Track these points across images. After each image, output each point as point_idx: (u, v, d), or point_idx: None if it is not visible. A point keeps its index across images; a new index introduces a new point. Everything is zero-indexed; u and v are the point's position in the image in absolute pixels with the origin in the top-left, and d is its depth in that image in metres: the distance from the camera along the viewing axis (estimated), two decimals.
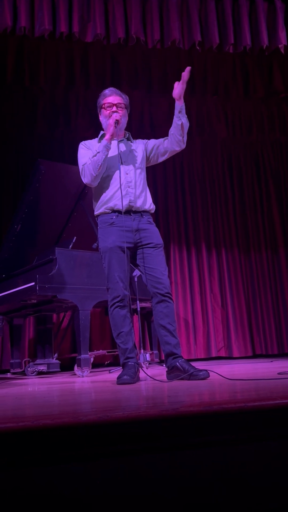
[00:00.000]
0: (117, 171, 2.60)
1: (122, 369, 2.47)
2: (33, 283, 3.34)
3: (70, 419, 1.23)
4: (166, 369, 2.48)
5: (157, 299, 2.51)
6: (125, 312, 2.52)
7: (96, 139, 2.74)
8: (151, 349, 4.86)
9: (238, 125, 5.78)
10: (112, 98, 2.68)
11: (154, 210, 2.73)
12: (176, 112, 2.68)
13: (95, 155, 2.55)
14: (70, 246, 3.62)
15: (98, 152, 2.55)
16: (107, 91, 2.72)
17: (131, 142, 2.78)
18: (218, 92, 4.77)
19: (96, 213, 2.68)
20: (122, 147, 2.72)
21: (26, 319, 4.70)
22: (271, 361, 4.25)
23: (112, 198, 2.59)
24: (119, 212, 2.58)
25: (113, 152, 2.64)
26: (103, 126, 2.72)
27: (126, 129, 2.77)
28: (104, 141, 2.58)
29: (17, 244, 4.12)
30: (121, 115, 2.65)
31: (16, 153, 5.51)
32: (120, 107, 2.68)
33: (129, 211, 2.59)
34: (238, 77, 4.68)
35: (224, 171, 6.26)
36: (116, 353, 4.71)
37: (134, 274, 4.00)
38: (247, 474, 1.26)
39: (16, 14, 3.21)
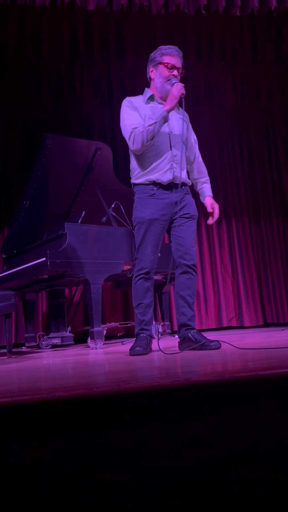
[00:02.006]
0: (165, 142, 2.50)
1: (135, 340, 2.48)
2: (44, 259, 3.36)
3: (84, 391, 1.26)
4: (178, 339, 2.51)
5: (182, 270, 2.51)
6: (148, 284, 2.52)
7: (141, 97, 2.60)
8: (163, 321, 4.91)
9: (246, 91, 5.65)
10: (176, 59, 2.51)
11: (191, 183, 2.69)
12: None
13: (151, 125, 2.41)
14: (79, 221, 3.61)
15: (155, 122, 2.41)
16: (172, 49, 2.52)
17: (178, 109, 2.64)
18: (225, 57, 4.63)
19: (134, 181, 2.60)
20: (171, 116, 2.56)
21: (39, 294, 4.75)
22: (283, 330, 4.27)
23: (155, 170, 2.51)
24: (160, 185, 2.52)
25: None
26: (157, 85, 2.54)
27: None
28: (163, 111, 2.43)
29: (26, 220, 4.13)
30: (183, 84, 2.44)
31: (23, 126, 5.45)
32: (180, 73, 2.53)
33: (170, 185, 2.53)
34: (246, 41, 4.53)
35: (233, 139, 6.15)
36: (128, 325, 4.77)
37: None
38: (260, 444, 1.28)
39: None
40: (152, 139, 2.43)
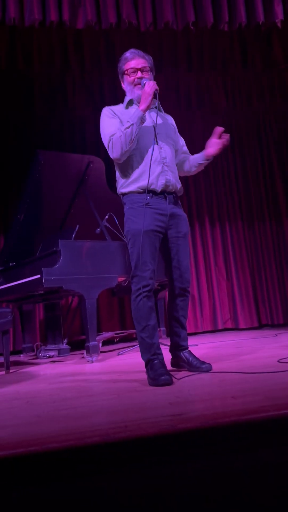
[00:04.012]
0: (151, 145, 2.37)
1: (150, 369, 2.25)
2: (38, 276, 3.41)
3: (76, 442, 1.33)
4: (171, 358, 2.53)
5: (177, 293, 2.46)
6: (151, 303, 2.34)
7: (121, 106, 2.51)
8: (159, 326, 4.98)
9: (238, 95, 5.66)
10: (134, 62, 2.43)
11: (183, 192, 2.57)
12: (203, 158, 2.55)
13: (128, 127, 2.30)
14: (73, 236, 3.66)
15: (132, 124, 2.30)
16: (128, 54, 2.46)
17: (161, 112, 2.56)
18: (216, 67, 4.65)
19: (123, 191, 2.44)
20: (155, 117, 2.46)
21: (36, 304, 4.81)
22: (276, 335, 4.34)
23: (145, 175, 2.35)
24: (154, 192, 2.37)
25: (145, 122, 2.39)
26: (129, 94, 2.48)
27: None
28: (139, 111, 2.32)
29: (21, 233, 4.19)
30: (155, 82, 2.36)
31: (17, 137, 5.47)
32: (146, 71, 2.44)
33: (164, 192, 2.40)
34: (236, 51, 4.55)
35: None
36: (124, 334, 4.84)
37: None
38: (246, 483, 1.35)
39: (5, 5, 3.13)
40: (131, 143, 2.31)
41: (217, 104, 5.63)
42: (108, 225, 4.13)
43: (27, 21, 3.19)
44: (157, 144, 2.41)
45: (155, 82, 2.35)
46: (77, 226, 3.76)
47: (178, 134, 2.65)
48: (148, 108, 2.33)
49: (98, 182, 4.27)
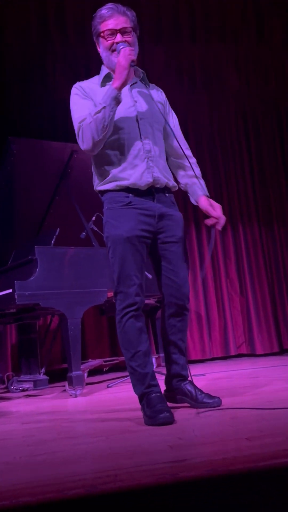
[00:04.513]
0: (132, 130, 2.33)
1: (145, 405, 2.23)
2: (10, 290, 3.40)
3: (55, 494, 1.31)
4: (166, 388, 2.50)
5: (173, 311, 2.41)
6: (141, 324, 2.30)
7: (96, 80, 2.44)
8: (157, 353, 4.96)
9: (252, 72, 5.71)
10: (113, 21, 2.32)
11: (177, 188, 2.53)
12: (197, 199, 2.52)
13: (99, 111, 2.22)
14: (53, 242, 3.66)
15: (104, 106, 2.22)
16: (104, 10, 2.35)
17: (147, 85, 2.46)
18: (226, 38, 4.69)
19: (100, 188, 2.41)
20: (137, 94, 2.40)
21: (7, 325, 4.79)
22: None
23: (126, 170, 2.33)
24: (137, 192, 2.34)
25: (124, 101, 2.31)
26: (105, 62, 2.39)
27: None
28: (112, 90, 2.22)
29: None
30: (132, 48, 2.28)
31: None
32: (127, 32, 2.33)
33: (150, 189, 2.37)
34: (250, 20, 4.59)
35: (238, 130, 6.20)
36: (115, 361, 4.82)
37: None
38: None
39: None
40: (104, 130, 2.24)
41: (227, 83, 5.67)
42: (95, 228, 4.13)
43: None
44: (140, 134, 2.36)
45: (131, 49, 2.27)
46: (58, 229, 3.76)
47: (170, 111, 2.59)
48: (124, 85, 2.25)
49: (83, 176, 4.23)
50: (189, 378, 2.47)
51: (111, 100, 2.22)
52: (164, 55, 4.99)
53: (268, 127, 6.26)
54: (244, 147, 6.21)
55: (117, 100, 2.24)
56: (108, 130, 2.27)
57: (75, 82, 2.48)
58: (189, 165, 2.55)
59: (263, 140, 6.23)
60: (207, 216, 2.45)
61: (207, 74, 5.57)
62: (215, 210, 2.43)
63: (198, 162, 2.65)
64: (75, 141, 4.57)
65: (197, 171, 2.58)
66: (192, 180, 2.56)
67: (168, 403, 2.29)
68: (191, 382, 2.47)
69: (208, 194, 2.54)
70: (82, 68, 5.23)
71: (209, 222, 2.42)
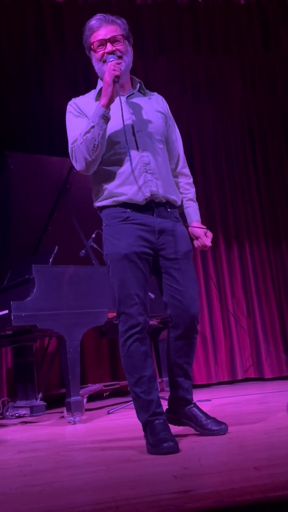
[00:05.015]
0: (130, 146, 2.33)
1: (148, 433, 2.22)
2: (6, 311, 3.41)
3: None
4: (169, 408, 2.48)
5: (180, 333, 2.37)
6: (146, 348, 2.29)
7: (92, 94, 2.47)
8: (160, 376, 4.95)
9: (258, 83, 5.77)
10: (102, 31, 2.34)
11: (181, 202, 2.56)
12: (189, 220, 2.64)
13: (88, 131, 2.25)
14: (51, 261, 3.67)
15: (93, 126, 2.24)
16: (93, 21, 2.36)
17: (146, 96, 2.50)
18: (231, 48, 4.76)
19: (98, 204, 2.44)
20: (134, 106, 2.42)
21: (2, 348, 4.78)
22: None
23: (123, 186, 2.35)
24: (135, 206, 2.35)
25: (118, 115, 2.29)
26: (99, 75, 2.43)
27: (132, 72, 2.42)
28: (99, 108, 2.25)
29: None
30: (119, 61, 2.30)
31: None
32: (118, 40, 2.35)
33: (150, 204, 2.37)
34: (255, 29, 4.66)
35: (244, 141, 6.25)
36: (116, 386, 4.80)
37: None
38: None
39: None
40: (96, 151, 2.27)
41: (232, 92, 5.73)
42: (95, 246, 4.14)
43: None
44: (137, 147, 2.37)
45: (117, 63, 2.27)
46: (56, 247, 3.78)
47: (171, 122, 2.61)
48: (111, 101, 2.26)
49: (83, 192, 4.27)
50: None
51: (99, 118, 2.25)
52: (167, 66, 5.06)
53: (275, 139, 6.30)
54: (250, 159, 6.23)
55: (105, 118, 2.26)
56: (100, 149, 2.30)
57: (73, 95, 2.52)
58: (185, 185, 2.63)
59: (269, 152, 6.26)
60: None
61: (211, 85, 5.64)
62: (207, 238, 2.57)
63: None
64: None
65: (192, 191, 2.65)
66: (188, 202, 2.63)
67: (171, 425, 2.29)
68: (196, 406, 2.45)
69: (200, 219, 2.64)
70: (81, 80, 5.31)
71: (198, 245, 2.60)
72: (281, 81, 5.73)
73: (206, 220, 6.04)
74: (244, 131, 6.26)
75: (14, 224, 4.22)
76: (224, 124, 6.19)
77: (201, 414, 2.41)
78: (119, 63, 2.30)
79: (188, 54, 4.94)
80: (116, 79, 2.24)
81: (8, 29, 4.41)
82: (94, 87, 2.53)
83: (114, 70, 2.24)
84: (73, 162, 2.38)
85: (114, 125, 2.33)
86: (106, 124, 2.28)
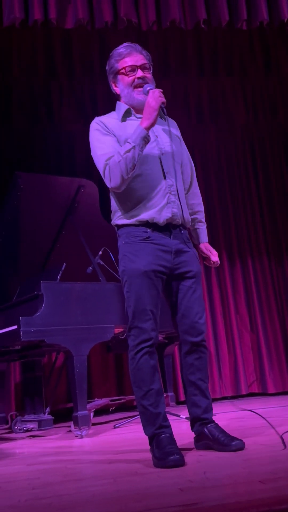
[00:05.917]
0: (155, 169, 2.40)
1: (155, 446, 2.22)
2: (15, 327, 3.41)
3: None
4: (194, 435, 2.45)
5: (188, 348, 2.40)
6: (155, 362, 2.32)
7: (115, 115, 2.52)
8: (165, 391, 4.92)
9: (260, 105, 5.82)
10: (132, 58, 2.43)
11: (190, 224, 2.62)
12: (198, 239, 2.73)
13: (129, 150, 2.29)
14: (59, 277, 3.68)
15: (134, 146, 2.28)
16: (122, 48, 2.47)
17: (165, 120, 2.50)
18: (233, 72, 4.81)
19: (119, 222, 2.47)
20: (158, 130, 2.46)
21: (10, 363, 4.78)
22: None
23: (146, 207, 2.38)
24: (155, 226, 2.39)
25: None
26: (126, 99, 2.48)
27: None
28: (141, 130, 2.30)
29: None
30: (161, 90, 2.34)
31: None
32: (147, 68, 2.45)
33: (168, 225, 2.41)
34: (257, 53, 4.72)
35: (246, 163, 6.28)
36: (122, 401, 4.78)
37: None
38: None
39: None
40: (133, 169, 2.31)
41: (235, 115, 5.78)
42: (102, 263, 4.15)
43: (6, 20, 3.33)
44: (163, 170, 2.42)
45: (160, 91, 2.33)
46: (64, 264, 3.79)
47: (183, 143, 2.66)
48: (153, 125, 2.33)
49: (90, 211, 4.33)
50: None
51: (140, 140, 2.29)
52: (171, 89, 5.11)
53: (277, 160, 6.34)
54: (253, 179, 6.27)
55: (146, 140, 2.32)
56: (136, 169, 2.34)
57: (81, 117, 2.56)
58: (197, 206, 2.70)
59: (271, 173, 6.30)
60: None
61: (214, 107, 5.70)
62: (213, 256, 2.67)
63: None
64: (82, 174, 4.65)
65: (203, 212, 2.74)
66: (198, 224, 2.71)
67: (197, 449, 2.32)
68: (216, 425, 2.39)
69: (207, 239, 2.73)
70: (88, 103, 5.37)
71: (209, 264, 2.71)
72: (282, 103, 5.78)
73: (210, 237, 6.00)
74: (247, 152, 6.29)
75: (23, 242, 4.24)
76: (227, 146, 6.23)
77: (219, 432, 2.33)
78: (161, 91, 2.35)
79: (192, 78, 4.99)
80: (163, 105, 2.32)
81: (19, 55, 4.49)
82: (102, 110, 2.57)
83: (160, 97, 2.31)
84: (106, 179, 2.39)
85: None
86: (145, 145, 2.34)
